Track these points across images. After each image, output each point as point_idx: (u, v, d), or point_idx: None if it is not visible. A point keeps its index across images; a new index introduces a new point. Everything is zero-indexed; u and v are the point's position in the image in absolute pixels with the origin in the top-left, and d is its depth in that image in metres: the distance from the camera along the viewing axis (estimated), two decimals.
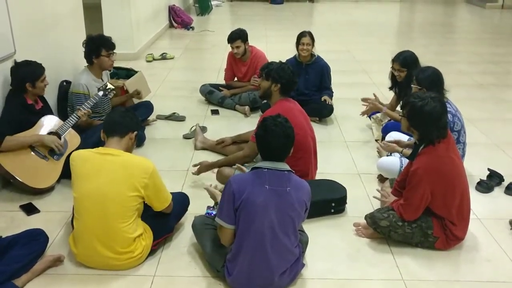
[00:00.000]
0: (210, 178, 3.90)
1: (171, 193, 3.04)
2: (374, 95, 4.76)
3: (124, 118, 2.92)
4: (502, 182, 3.95)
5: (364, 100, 4.76)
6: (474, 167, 4.11)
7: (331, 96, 5.26)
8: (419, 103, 2.91)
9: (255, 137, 2.73)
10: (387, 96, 5.07)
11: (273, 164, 2.62)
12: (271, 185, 2.56)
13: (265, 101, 5.06)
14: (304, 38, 5.09)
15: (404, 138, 4.06)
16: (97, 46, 4.20)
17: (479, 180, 3.94)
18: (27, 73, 3.64)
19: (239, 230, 2.59)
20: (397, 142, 3.85)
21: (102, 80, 4.35)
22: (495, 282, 2.87)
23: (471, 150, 4.03)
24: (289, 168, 2.66)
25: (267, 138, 2.62)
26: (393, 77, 4.62)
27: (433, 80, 3.68)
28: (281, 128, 2.63)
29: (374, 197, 3.53)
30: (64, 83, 4.50)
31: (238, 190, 2.54)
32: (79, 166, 2.80)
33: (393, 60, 4.49)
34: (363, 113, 4.85)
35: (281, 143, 2.63)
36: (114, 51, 4.30)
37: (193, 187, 3.82)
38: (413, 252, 3.09)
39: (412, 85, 3.77)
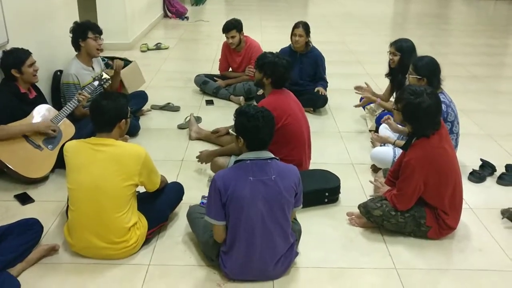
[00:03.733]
0: (204, 168, 3.92)
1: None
2: (366, 84, 4.77)
3: (105, 114, 2.79)
4: (495, 172, 3.99)
5: (357, 88, 4.77)
6: (467, 158, 4.14)
7: (325, 87, 5.27)
8: (416, 100, 2.89)
9: (238, 129, 2.67)
10: (381, 87, 5.09)
11: (256, 154, 2.61)
12: (255, 176, 2.55)
13: (259, 92, 5.07)
14: (297, 29, 5.08)
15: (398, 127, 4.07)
16: (84, 29, 4.17)
17: (471, 170, 3.97)
18: (11, 59, 3.63)
19: (230, 224, 2.60)
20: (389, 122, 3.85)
21: (93, 69, 4.32)
22: (487, 270, 2.91)
23: (464, 141, 4.06)
24: (272, 156, 2.64)
25: (254, 128, 2.59)
26: (390, 65, 4.62)
27: (432, 68, 3.68)
28: (262, 115, 2.61)
29: (370, 181, 3.55)
30: (58, 73, 4.48)
31: (223, 186, 2.54)
32: (72, 158, 2.80)
33: (391, 44, 4.51)
34: (357, 106, 4.86)
35: (268, 130, 2.63)
36: (101, 37, 4.28)
37: (188, 177, 3.83)
38: (406, 241, 3.12)
39: (410, 75, 3.77)
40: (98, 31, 4.24)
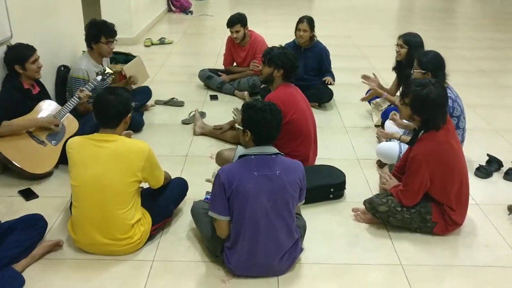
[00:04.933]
0: (209, 164, 3.91)
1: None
2: (374, 75, 4.73)
3: (110, 109, 2.76)
4: (501, 168, 3.96)
5: (364, 77, 4.72)
6: (474, 153, 4.11)
7: (333, 78, 5.21)
8: (424, 91, 2.87)
9: (246, 122, 2.64)
10: (387, 81, 5.05)
11: (260, 149, 2.59)
12: (259, 171, 2.54)
13: (263, 85, 5.06)
14: (301, 24, 5.05)
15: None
16: (97, 32, 4.15)
17: (478, 165, 3.94)
18: (15, 55, 3.61)
19: (234, 219, 2.59)
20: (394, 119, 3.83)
21: (102, 66, 4.32)
22: (493, 267, 2.88)
23: (470, 136, 4.03)
24: (276, 151, 2.63)
25: (261, 120, 2.57)
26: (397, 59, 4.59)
27: (437, 63, 3.66)
28: (269, 108, 2.61)
29: (379, 172, 3.52)
30: (62, 68, 4.48)
31: (227, 181, 2.52)
32: (76, 154, 2.78)
33: (399, 36, 4.47)
34: (363, 99, 4.84)
35: (276, 124, 2.62)
36: (115, 38, 4.25)
37: (192, 172, 3.81)
38: (412, 237, 3.10)
39: (414, 70, 3.74)
40: (111, 35, 4.20)
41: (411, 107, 2.96)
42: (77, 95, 3.86)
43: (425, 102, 2.89)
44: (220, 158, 3.69)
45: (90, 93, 3.92)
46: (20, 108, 3.63)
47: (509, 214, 3.35)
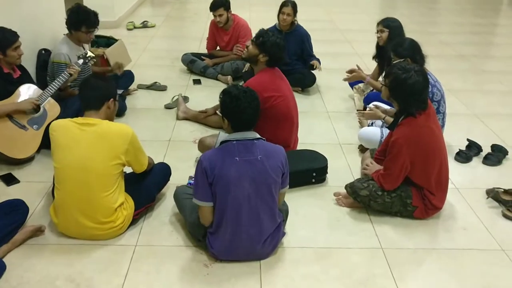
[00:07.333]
0: (192, 148, 3.90)
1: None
2: (358, 66, 4.75)
3: (95, 91, 2.82)
4: (481, 152, 4.02)
5: (349, 72, 4.73)
6: (454, 137, 4.17)
7: (319, 62, 5.21)
8: (403, 76, 2.90)
9: (222, 110, 2.65)
10: (369, 66, 5.08)
11: (241, 135, 2.59)
12: (241, 156, 2.54)
13: (246, 70, 5.04)
14: (286, 8, 5.01)
15: (385, 108, 4.08)
16: (79, 21, 4.08)
17: (458, 150, 4.00)
18: None
19: (217, 205, 2.60)
20: (376, 107, 3.86)
21: (84, 49, 4.26)
22: (471, 249, 2.94)
23: (451, 121, 4.08)
24: (258, 136, 2.63)
25: (237, 108, 2.57)
26: (377, 46, 4.61)
27: (412, 48, 3.70)
28: (244, 95, 2.59)
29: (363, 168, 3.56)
30: (43, 52, 4.41)
31: (209, 166, 2.53)
32: (59, 136, 2.77)
33: (378, 23, 4.51)
34: (345, 79, 4.83)
35: (252, 111, 2.60)
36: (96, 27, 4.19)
37: (175, 157, 3.81)
38: (392, 221, 3.15)
39: (393, 62, 3.76)
40: (93, 25, 4.13)
41: (389, 89, 3.00)
42: (67, 72, 3.81)
43: (401, 86, 2.92)
44: (202, 145, 3.68)
45: (79, 68, 3.89)
46: (1, 92, 3.57)
47: (487, 198, 3.42)
